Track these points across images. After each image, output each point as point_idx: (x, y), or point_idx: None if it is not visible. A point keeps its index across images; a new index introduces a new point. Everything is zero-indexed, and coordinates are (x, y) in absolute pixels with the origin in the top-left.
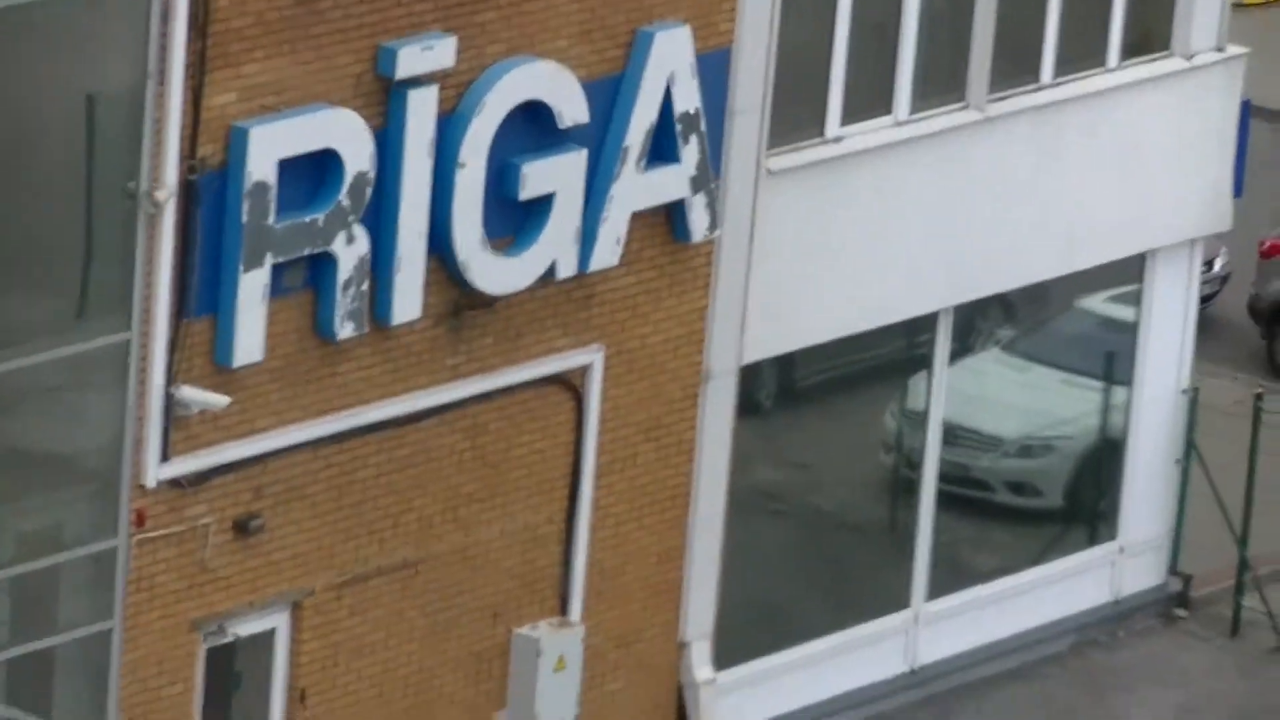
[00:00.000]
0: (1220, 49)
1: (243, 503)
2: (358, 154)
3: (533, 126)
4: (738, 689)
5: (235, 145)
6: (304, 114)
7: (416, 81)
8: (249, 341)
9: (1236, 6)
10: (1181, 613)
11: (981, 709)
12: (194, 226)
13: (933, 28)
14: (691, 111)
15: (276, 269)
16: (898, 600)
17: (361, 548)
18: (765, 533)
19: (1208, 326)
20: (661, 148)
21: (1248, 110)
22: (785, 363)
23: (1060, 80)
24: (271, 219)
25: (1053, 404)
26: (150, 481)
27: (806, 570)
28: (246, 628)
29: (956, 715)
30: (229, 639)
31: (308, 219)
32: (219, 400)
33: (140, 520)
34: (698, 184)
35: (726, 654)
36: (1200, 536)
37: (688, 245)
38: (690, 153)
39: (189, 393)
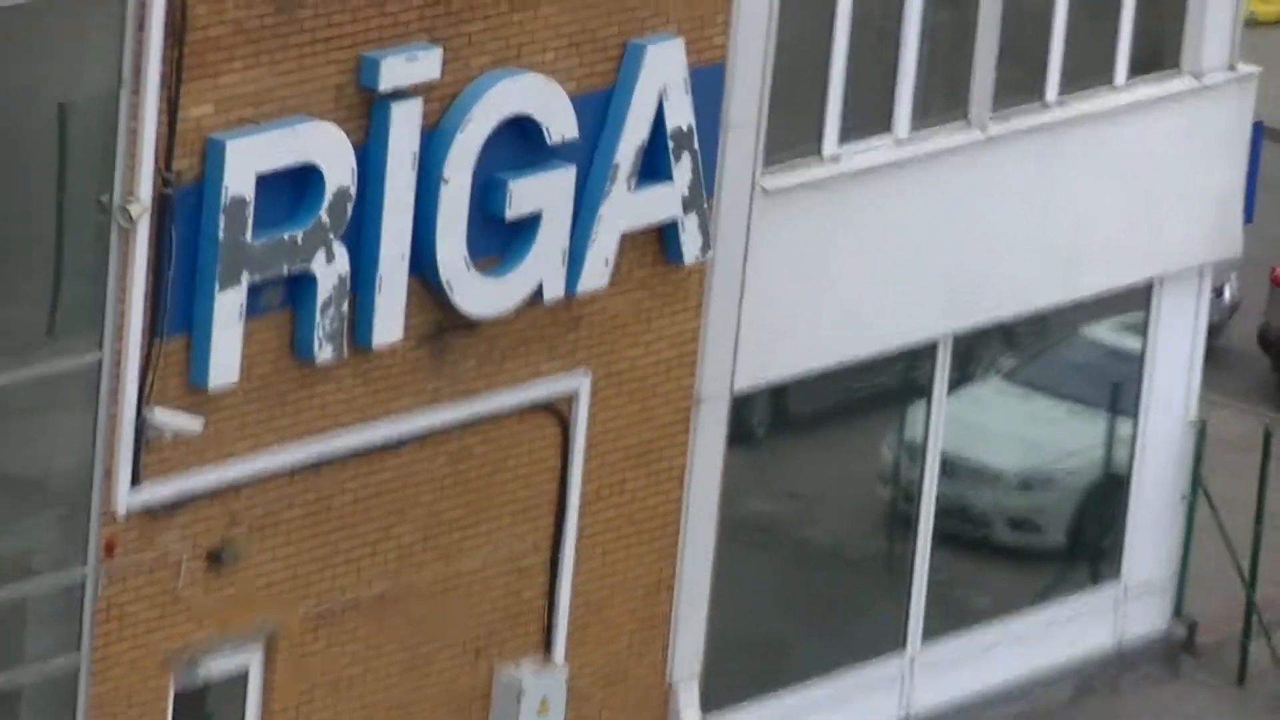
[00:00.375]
0: (1232, 67)
1: (217, 530)
2: (338, 169)
3: (520, 142)
4: None
5: (212, 158)
6: (283, 126)
7: (400, 94)
8: (224, 362)
9: (1249, 23)
10: (1187, 659)
11: None
12: (168, 242)
13: (934, 42)
14: (684, 128)
15: (253, 288)
16: (892, 641)
17: (339, 578)
18: (756, 566)
19: (1216, 357)
20: (653, 165)
21: (1260, 131)
22: (779, 389)
23: (1065, 98)
24: (249, 235)
25: (1055, 436)
26: (121, 508)
27: (798, 607)
28: (220, 660)
29: None
30: (201, 672)
31: (286, 236)
32: (193, 423)
33: (110, 548)
34: (690, 203)
35: (715, 696)
36: (1207, 577)
37: (679, 266)
38: (682, 171)
39: (162, 415)
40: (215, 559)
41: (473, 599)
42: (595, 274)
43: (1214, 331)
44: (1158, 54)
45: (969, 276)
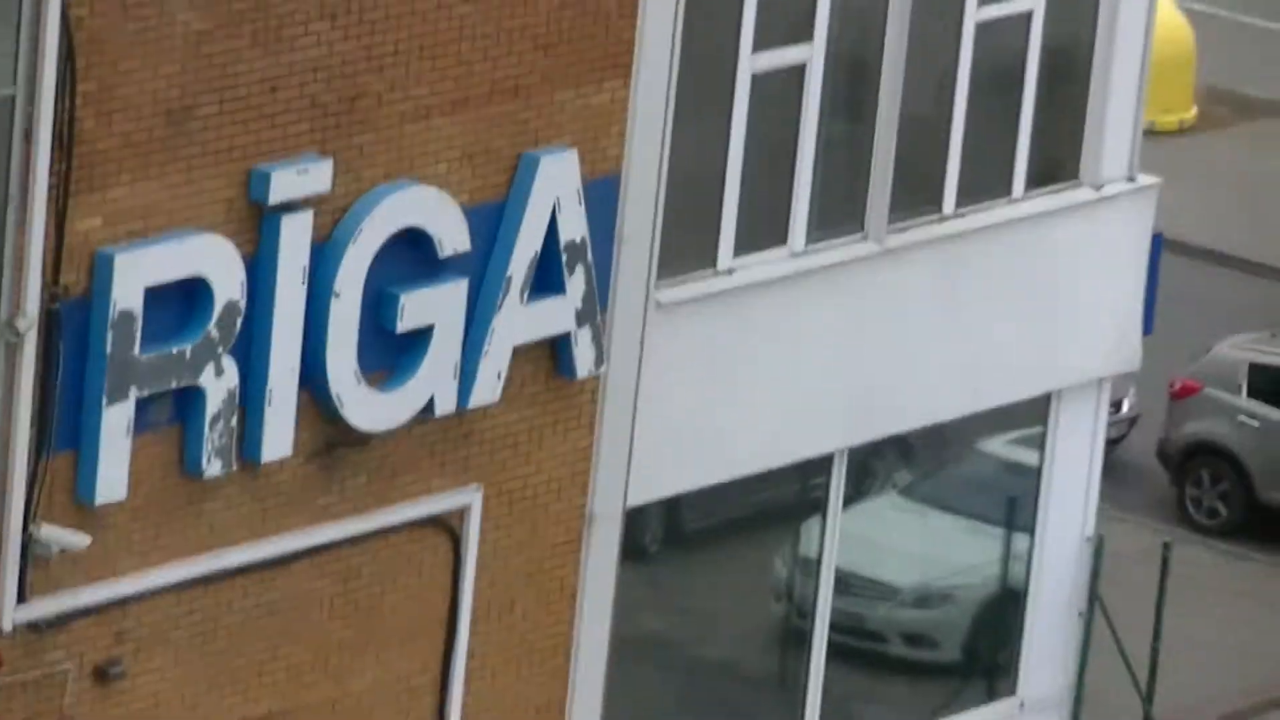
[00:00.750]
0: (1131, 179)
1: (103, 648)
2: (228, 282)
3: (411, 255)
4: None
5: (100, 272)
6: (172, 240)
7: (290, 206)
8: (112, 478)
9: (1149, 134)
10: None
11: None
12: (56, 357)
13: (830, 155)
14: (578, 240)
15: (141, 403)
16: None
17: (226, 697)
18: (649, 684)
19: (1115, 471)
20: (546, 278)
21: (1159, 243)
22: (672, 505)
23: (963, 211)
24: (137, 350)
25: (951, 551)
26: (6, 625)
27: None
28: None
29: None
30: None
31: (175, 350)
32: (79, 540)
33: None
34: (583, 317)
35: None
36: (1104, 692)
37: (572, 381)
38: (576, 284)
39: (48, 532)
40: (102, 676)
41: (362, 719)
42: (487, 388)
43: (1113, 445)
44: (1057, 166)
45: (865, 390)
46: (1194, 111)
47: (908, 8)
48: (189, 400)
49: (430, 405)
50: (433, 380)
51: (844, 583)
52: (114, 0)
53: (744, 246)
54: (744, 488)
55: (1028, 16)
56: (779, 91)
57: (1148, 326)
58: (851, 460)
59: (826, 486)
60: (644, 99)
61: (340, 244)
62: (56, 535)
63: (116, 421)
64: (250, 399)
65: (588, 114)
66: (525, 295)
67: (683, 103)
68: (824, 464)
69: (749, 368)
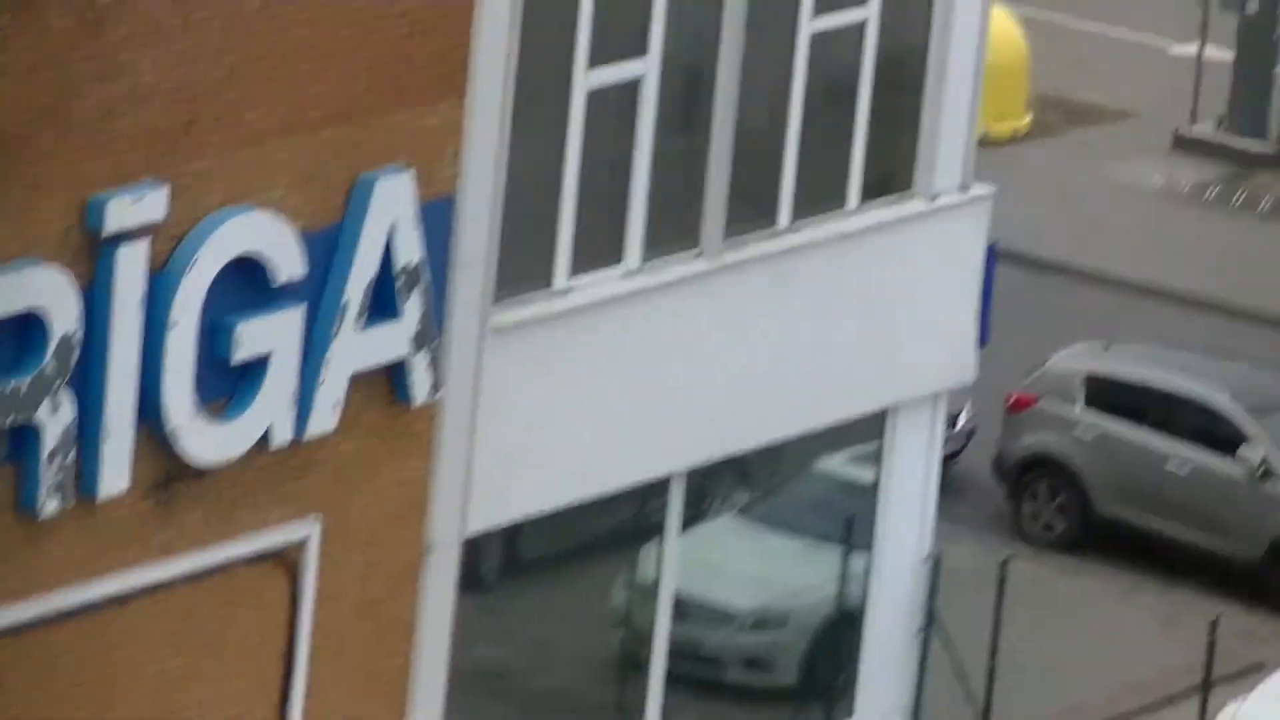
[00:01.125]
0: (965, 188)
1: None
2: (64, 315)
3: (248, 282)
4: None
5: None
6: (6, 272)
7: (126, 236)
8: None
9: (983, 143)
10: None
11: None
12: None
13: (666, 171)
14: (413, 264)
15: None
16: None
17: None
18: (488, 715)
19: (951, 485)
20: (382, 303)
21: (994, 253)
22: (510, 533)
23: (798, 224)
24: None
25: (789, 572)
26: None
27: None
28: None
29: None
30: None
31: (10, 386)
32: None
33: None
34: (420, 341)
35: None
36: (942, 712)
37: (409, 408)
38: (412, 308)
39: None
40: None
41: None
42: (324, 417)
43: (949, 460)
44: (891, 177)
45: (702, 411)
46: (1027, 119)
47: (742, 20)
48: (24, 438)
49: (267, 436)
50: (270, 410)
51: (683, 607)
52: None
53: (580, 265)
54: (582, 514)
55: (861, 27)
56: (614, 107)
57: (984, 338)
58: (689, 482)
59: (664, 510)
60: (479, 118)
61: (176, 273)
62: None
63: None
64: (86, 433)
65: (422, 134)
66: (362, 321)
67: (518, 121)
68: (661, 487)
69: (586, 390)
